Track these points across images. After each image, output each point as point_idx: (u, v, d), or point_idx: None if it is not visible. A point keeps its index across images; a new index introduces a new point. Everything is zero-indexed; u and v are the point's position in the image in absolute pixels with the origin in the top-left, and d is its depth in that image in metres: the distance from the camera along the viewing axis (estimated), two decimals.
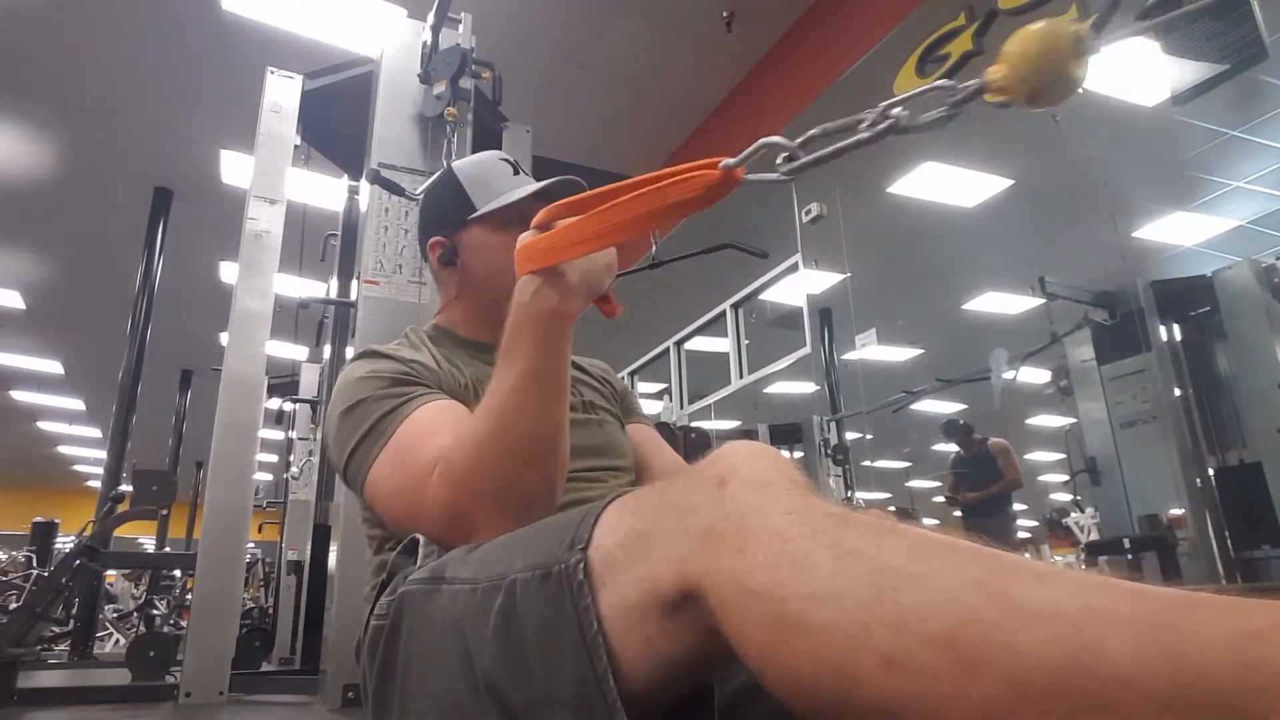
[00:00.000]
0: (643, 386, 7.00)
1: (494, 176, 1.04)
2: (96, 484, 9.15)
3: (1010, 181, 5.42)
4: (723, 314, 5.58)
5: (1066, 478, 5.04)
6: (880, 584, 0.40)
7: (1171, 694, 0.31)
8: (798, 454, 6.41)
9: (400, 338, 1.04)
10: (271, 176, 3.10)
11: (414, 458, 0.80)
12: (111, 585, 8.01)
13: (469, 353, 1.03)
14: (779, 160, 0.59)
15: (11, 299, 7.99)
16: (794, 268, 4.84)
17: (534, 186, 1.01)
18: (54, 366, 10.04)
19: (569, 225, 0.71)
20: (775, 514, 0.46)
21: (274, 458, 10.05)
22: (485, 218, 1.02)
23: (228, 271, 7.12)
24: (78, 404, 11.58)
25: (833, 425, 6.12)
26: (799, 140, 0.59)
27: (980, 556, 0.40)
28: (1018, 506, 5.86)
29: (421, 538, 0.76)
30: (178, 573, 7.45)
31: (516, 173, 1.05)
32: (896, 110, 0.55)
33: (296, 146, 3.26)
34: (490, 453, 0.74)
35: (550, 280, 0.75)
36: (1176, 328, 4.42)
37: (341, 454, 0.88)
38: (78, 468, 15.87)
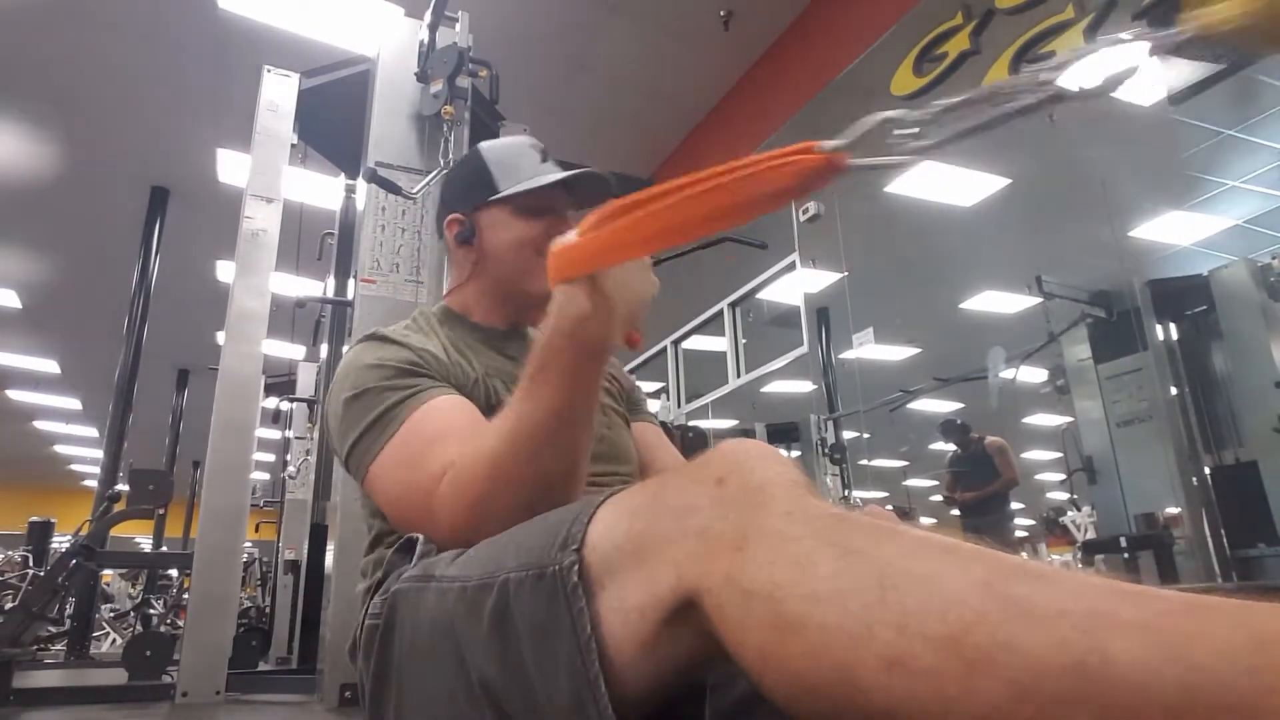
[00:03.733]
0: (641, 385, 7.00)
1: (521, 160, 1.01)
2: (93, 483, 9.12)
3: (1007, 181, 5.42)
4: (720, 313, 5.58)
5: (1063, 476, 5.05)
6: (883, 585, 0.39)
7: (1180, 698, 0.31)
8: (795, 453, 6.42)
9: (409, 320, 1.01)
10: (268, 175, 3.10)
11: (421, 460, 0.78)
12: (108, 585, 7.99)
13: (479, 339, 1.00)
14: (896, 136, 0.50)
15: (8, 298, 7.97)
16: (791, 266, 4.84)
17: (559, 174, 0.99)
18: (50, 366, 10.01)
19: (624, 223, 0.60)
20: (774, 513, 0.46)
21: (271, 457, 10.04)
22: (507, 200, 0.99)
23: (224, 270, 7.11)
24: (74, 403, 11.55)
25: (830, 424, 6.12)
26: (923, 113, 0.49)
27: (984, 558, 0.40)
28: (1015, 505, 5.87)
29: (420, 537, 0.75)
30: (174, 572, 7.44)
31: (545, 160, 1.02)
32: (1056, 74, 0.47)
33: (293, 145, 3.26)
34: (508, 479, 0.70)
35: (595, 302, 0.66)
36: (1173, 327, 4.43)
37: (344, 442, 0.85)
38: (74, 467, 15.84)
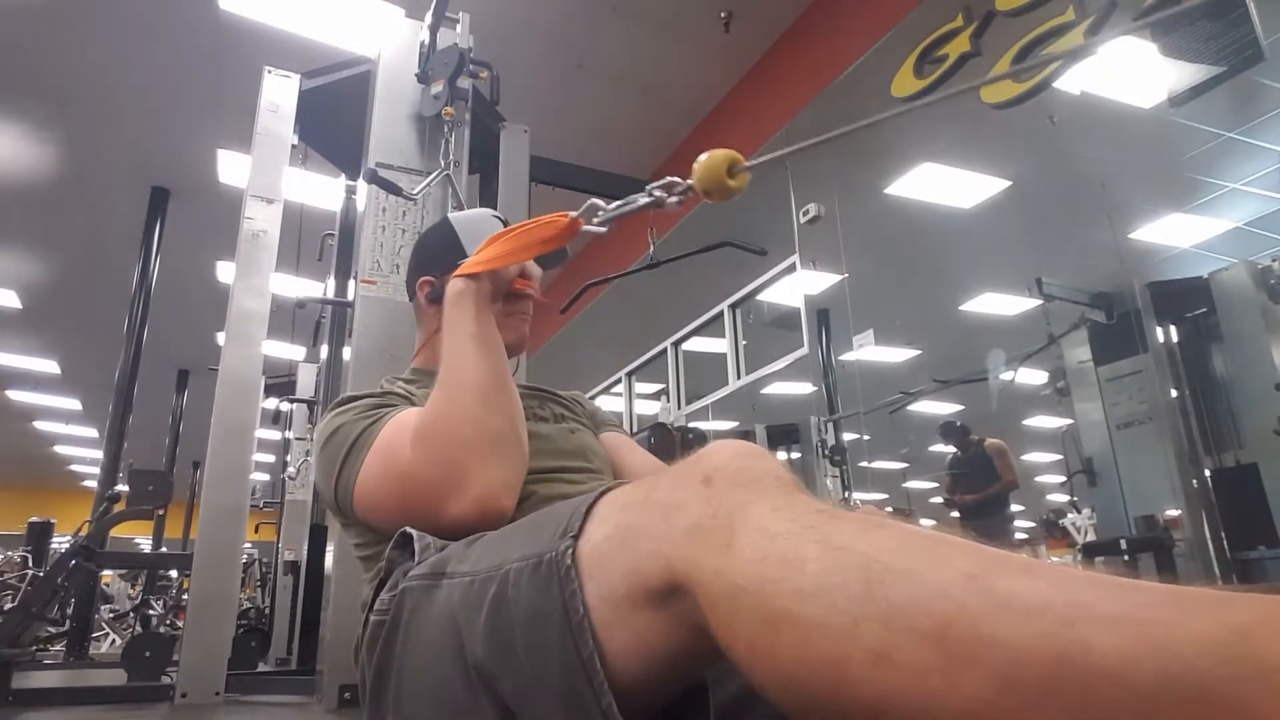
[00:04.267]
0: (640, 387, 7.00)
1: (485, 228, 1.11)
2: (93, 484, 9.12)
3: (1008, 183, 5.42)
4: (720, 314, 5.58)
5: (1063, 478, 5.05)
6: (869, 579, 0.40)
7: (1157, 687, 0.32)
8: (795, 455, 6.41)
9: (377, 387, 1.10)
10: (269, 176, 3.09)
11: (396, 449, 0.86)
12: (107, 585, 7.98)
13: None
14: (594, 218, 0.89)
15: (8, 298, 7.97)
16: (792, 268, 4.84)
17: None
18: (50, 366, 10.01)
19: (479, 251, 0.96)
20: (762, 511, 0.47)
21: (271, 458, 10.04)
22: None
23: (225, 271, 7.11)
24: (74, 404, 11.55)
25: (830, 426, 6.12)
26: (613, 205, 0.88)
27: (968, 551, 0.40)
28: (1015, 507, 5.87)
29: (414, 532, 0.77)
30: (174, 573, 7.44)
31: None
32: (659, 193, 0.82)
33: (294, 146, 3.25)
34: (454, 403, 0.84)
35: (467, 278, 0.95)
36: (1173, 329, 4.43)
37: (330, 481, 0.91)
38: (74, 467, 15.83)
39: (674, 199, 0.82)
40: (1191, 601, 0.34)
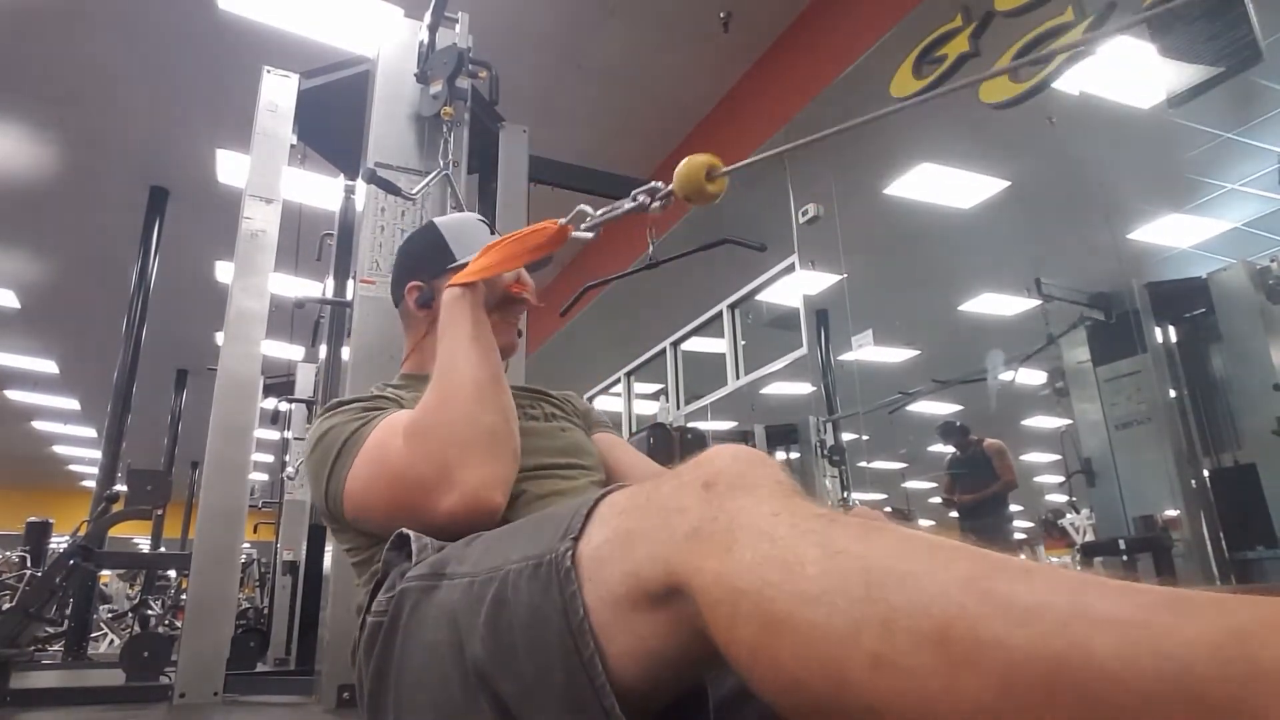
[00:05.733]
0: (639, 387, 7.00)
1: (473, 233, 1.14)
2: (91, 484, 9.12)
3: (1006, 183, 5.43)
4: (719, 315, 5.58)
5: (1062, 479, 5.05)
6: (869, 583, 0.40)
7: (1157, 689, 0.32)
8: (794, 455, 6.41)
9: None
10: (267, 176, 3.09)
11: (387, 448, 0.86)
12: (106, 585, 7.97)
13: None
14: (582, 224, 0.91)
15: (6, 298, 7.97)
16: (791, 268, 4.84)
17: None
18: (49, 366, 10.01)
19: (474, 260, 0.98)
20: (762, 515, 0.47)
21: (269, 458, 10.03)
22: (463, 266, 1.10)
23: (223, 271, 7.11)
24: (72, 404, 11.54)
25: (829, 426, 6.13)
26: (600, 211, 0.91)
27: (967, 554, 0.40)
28: (1013, 507, 5.87)
29: (411, 533, 0.76)
30: (172, 573, 7.43)
31: (493, 232, 1.16)
32: (643, 198, 0.85)
33: (293, 146, 3.25)
34: (449, 399, 0.85)
35: (464, 286, 0.97)
36: (1172, 329, 4.43)
37: (320, 483, 0.91)
38: (72, 467, 15.83)
39: (657, 203, 0.84)
40: (1190, 604, 0.34)
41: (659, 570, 0.49)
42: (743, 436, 6.79)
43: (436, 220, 1.17)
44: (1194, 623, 0.33)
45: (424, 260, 1.13)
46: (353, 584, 0.97)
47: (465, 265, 1.11)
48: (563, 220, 0.92)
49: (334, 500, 0.89)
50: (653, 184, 0.84)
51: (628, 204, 0.85)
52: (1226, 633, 0.31)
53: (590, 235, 0.91)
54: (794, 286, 4.97)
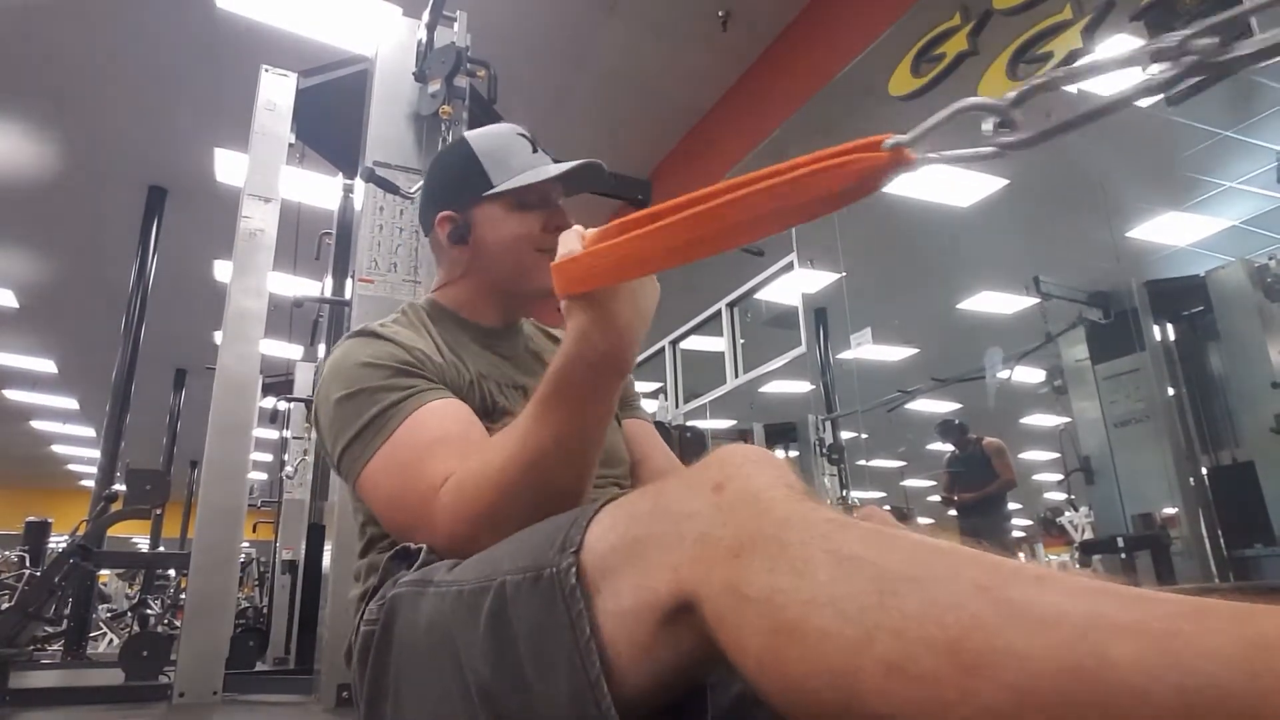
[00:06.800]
0: (638, 386, 6.99)
1: (512, 152, 0.97)
2: (90, 483, 9.11)
3: (1005, 181, 5.42)
4: (718, 313, 5.58)
5: (1061, 477, 5.06)
6: (881, 590, 0.39)
7: (1178, 701, 0.31)
8: (793, 453, 6.42)
9: (397, 314, 0.98)
10: (266, 175, 3.09)
11: (418, 466, 0.76)
12: (105, 585, 7.97)
13: (470, 337, 0.97)
14: (986, 127, 0.45)
15: (5, 297, 7.95)
16: (789, 267, 4.84)
17: (559, 168, 0.96)
18: (47, 365, 9.99)
19: (642, 234, 0.57)
20: (772, 520, 0.46)
21: (269, 457, 10.02)
22: (503, 195, 0.95)
23: (222, 270, 7.10)
24: (71, 403, 11.53)
25: (828, 424, 6.13)
26: (1015, 96, 0.44)
27: (981, 561, 0.40)
28: (1012, 506, 5.88)
29: (424, 546, 0.74)
30: (172, 572, 7.43)
31: (535, 149, 0.99)
32: (1203, 40, 0.41)
33: (291, 145, 3.25)
34: (514, 498, 0.69)
35: (603, 321, 0.65)
36: (1170, 327, 4.44)
37: (335, 443, 0.83)
38: (71, 467, 15.81)
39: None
40: (1210, 613, 0.33)
41: (669, 579, 0.48)
42: (742, 435, 6.81)
43: (469, 134, 1.00)
44: (1216, 633, 0.32)
45: (457, 185, 0.97)
46: (351, 580, 0.91)
47: (507, 192, 0.94)
48: (902, 136, 0.48)
49: (345, 472, 0.83)
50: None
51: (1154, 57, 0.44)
52: (1250, 644, 0.31)
53: (994, 154, 0.45)
54: (793, 285, 4.97)
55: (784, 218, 0.52)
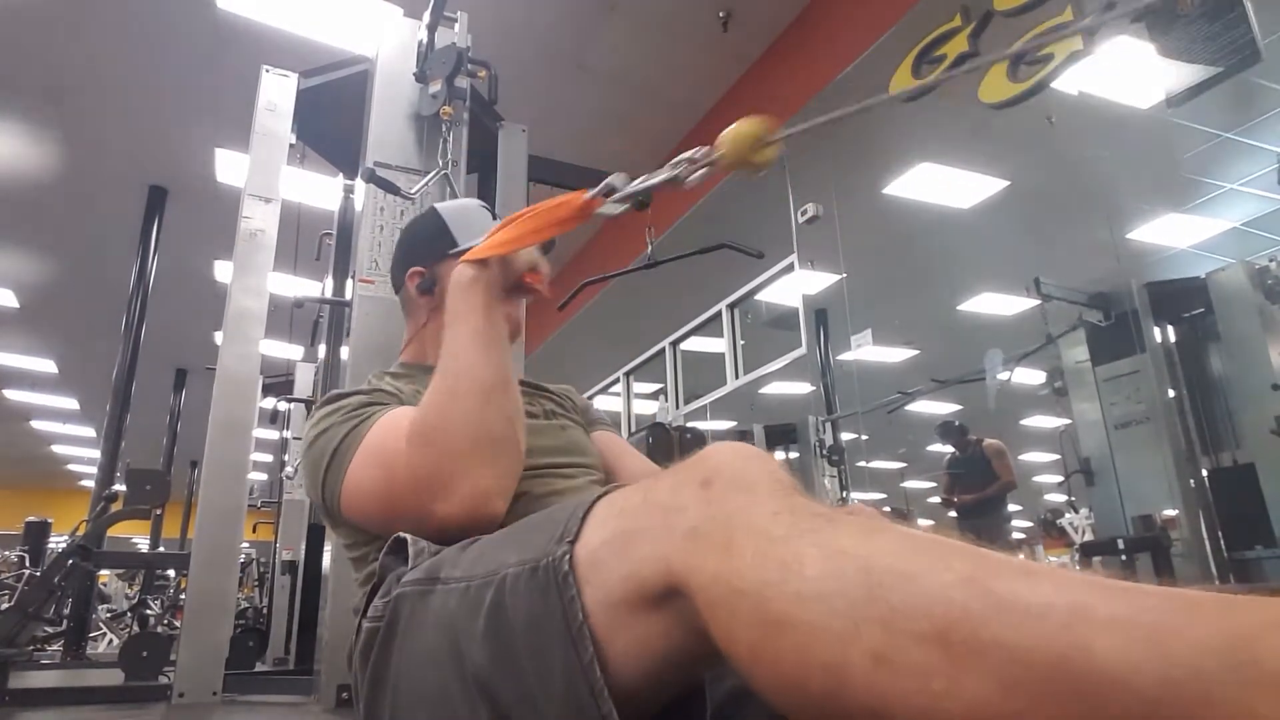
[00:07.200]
0: (638, 386, 7.00)
1: (475, 219, 1.12)
2: (90, 483, 9.11)
3: (1006, 183, 5.43)
4: (718, 314, 5.57)
5: (1061, 478, 5.05)
6: (869, 582, 0.40)
7: (1161, 692, 0.31)
8: (793, 454, 6.42)
9: (365, 383, 1.07)
10: (266, 175, 3.09)
11: (387, 448, 0.84)
12: (105, 585, 7.97)
13: None
14: (613, 196, 0.84)
15: (5, 297, 7.96)
16: (790, 268, 4.84)
17: None
18: (47, 365, 9.99)
19: (490, 234, 0.92)
20: (761, 514, 0.46)
21: (269, 457, 10.02)
22: (465, 252, 1.06)
23: (222, 270, 7.10)
24: (71, 403, 11.53)
25: (828, 426, 6.13)
26: (631, 184, 0.83)
27: (968, 554, 0.40)
28: (1012, 507, 5.88)
29: (409, 536, 0.76)
30: (171, 572, 7.43)
31: (495, 218, 1.13)
32: (683, 168, 0.77)
33: (292, 145, 3.25)
34: (454, 400, 0.82)
35: (477, 265, 0.92)
36: (1171, 329, 4.44)
37: (317, 481, 0.89)
38: (71, 467, 15.81)
39: (698, 174, 0.75)
40: (1194, 605, 0.33)
41: (658, 570, 0.49)
42: (742, 436, 6.80)
43: (438, 205, 1.15)
44: (1200, 625, 0.32)
45: (426, 245, 1.11)
46: (351, 581, 0.96)
47: (467, 250, 1.08)
48: (591, 192, 0.84)
49: (331, 498, 0.88)
50: (695, 149, 0.75)
51: (664, 174, 0.78)
52: (1233, 635, 0.31)
53: (618, 210, 0.84)
54: (793, 286, 4.97)
55: (548, 230, 0.88)
